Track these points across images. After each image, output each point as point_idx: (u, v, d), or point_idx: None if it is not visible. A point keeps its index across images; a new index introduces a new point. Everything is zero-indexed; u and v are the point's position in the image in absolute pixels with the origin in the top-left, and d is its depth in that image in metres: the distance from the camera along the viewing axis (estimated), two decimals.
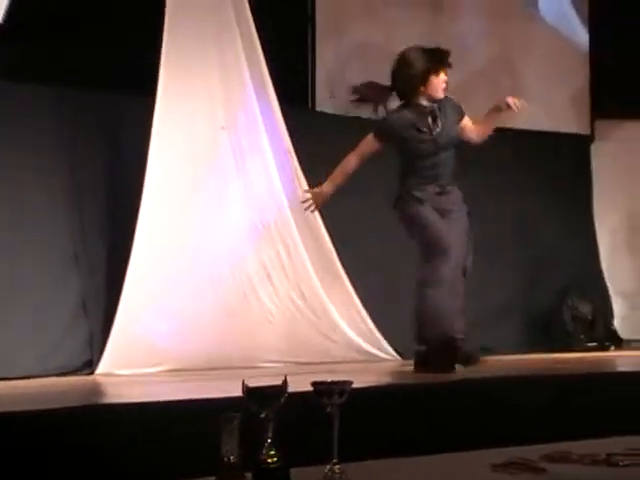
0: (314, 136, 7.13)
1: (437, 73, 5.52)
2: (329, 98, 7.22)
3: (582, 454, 3.00)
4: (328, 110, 7.53)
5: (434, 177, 5.59)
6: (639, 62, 8.76)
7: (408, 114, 5.58)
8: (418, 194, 5.55)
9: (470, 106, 8.08)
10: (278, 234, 6.54)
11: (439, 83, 5.55)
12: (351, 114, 7.53)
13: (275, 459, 2.71)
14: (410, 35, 7.73)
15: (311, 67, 7.51)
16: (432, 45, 5.74)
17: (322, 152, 7.03)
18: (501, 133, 8.19)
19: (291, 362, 6.20)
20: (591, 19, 8.90)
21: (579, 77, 8.84)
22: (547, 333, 8.25)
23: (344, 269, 6.77)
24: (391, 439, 3.22)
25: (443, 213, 5.61)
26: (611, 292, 8.78)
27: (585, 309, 8.32)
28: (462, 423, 3.43)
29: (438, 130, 5.58)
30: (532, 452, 3.03)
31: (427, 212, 5.55)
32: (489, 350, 7.46)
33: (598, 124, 8.89)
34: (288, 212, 6.54)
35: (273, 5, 6.87)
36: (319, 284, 6.60)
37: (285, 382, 2.74)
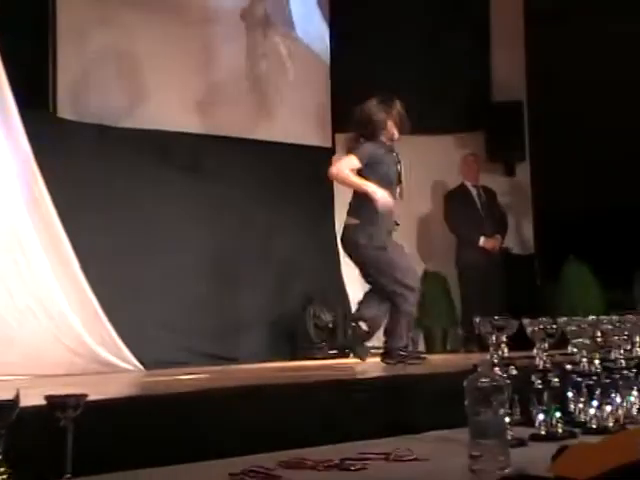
0: (55, 141, 6.98)
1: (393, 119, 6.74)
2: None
3: (317, 460, 3.07)
4: (69, 116, 7.38)
5: None
6: (377, 78, 9.09)
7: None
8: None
9: (219, 117, 8.18)
10: (17, 241, 6.34)
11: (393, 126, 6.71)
12: (92, 121, 7.42)
13: (5, 476, 2.62)
14: (151, 39, 7.71)
15: (52, 72, 7.33)
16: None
17: (63, 157, 6.90)
18: (244, 144, 8.33)
19: (31, 375, 6.00)
20: (331, 34, 9.16)
21: (322, 91, 9.07)
22: (290, 342, 8.40)
23: (86, 277, 6.65)
24: (128, 452, 3.18)
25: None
26: (352, 301, 9.03)
27: (326, 318, 8.53)
28: (198, 433, 3.43)
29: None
30: (269, 460, 3.07)
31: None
32: (234, 360, 7.53)
33: (339, 137, 9.15)
34: (28, 218, 6.35)
35: (13, 8, 6.67)
36: (60, 293, 6.44)
37: (17, 396, 2.66)
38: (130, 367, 6.72)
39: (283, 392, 4.06)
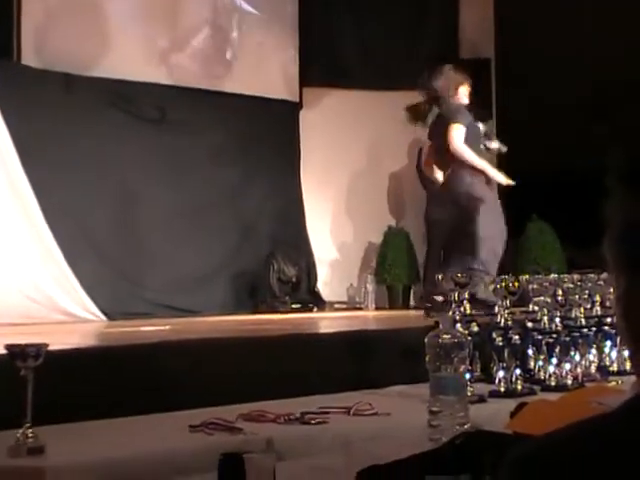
0: (19, 90, 6.90)
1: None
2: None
3: (277, 413, 3.08)
4: (34, 64, 7.29)
5: None
6: (345, 33, 9.06)
7: None
8: None
9: (185, 68, 8.10)
10: None
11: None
12: (57, 69, 7.34)
13: None
14: None
15: (17, 20, 7.22)
16: None
17: (27, 107, 6.82)
18: (210, 96, 8.27)
19: None
20: None
21: (289, 46, 9.00)
22: (253, 295, 8.42)
23: (50, 228, 6.61)
24: (89, 402, 3.18)
25: None
26: (315, 256, 9.05)
27: (290, 272, 8.54)
28: (161, 384, 3.44)
29: None
30: (229, 412, 3.08)
31: None
32: (197, 312, 7.54)
33: (306, 91, 9.11)
34: None
35: None
36: (21, 240, 6.40)
37: None
38: (92, 317, 6.71)
39: (244, 345, 4.07)
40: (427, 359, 2.77)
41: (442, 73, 7.18)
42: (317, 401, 3.37)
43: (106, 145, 7.54)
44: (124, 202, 7.66)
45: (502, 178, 7.29)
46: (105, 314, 6.81)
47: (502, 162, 9.27)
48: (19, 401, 2.63)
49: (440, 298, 6.87)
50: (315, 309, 8.53)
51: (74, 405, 3.11)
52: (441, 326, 2.80)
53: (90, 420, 3.04)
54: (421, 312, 7.90)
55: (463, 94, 7.21)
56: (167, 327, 5.68)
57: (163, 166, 7.92)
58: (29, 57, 7.28)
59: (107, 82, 7.61)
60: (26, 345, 2.66)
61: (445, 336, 2.76)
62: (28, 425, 2.62)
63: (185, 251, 7.94)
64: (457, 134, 7.02)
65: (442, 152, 7.16)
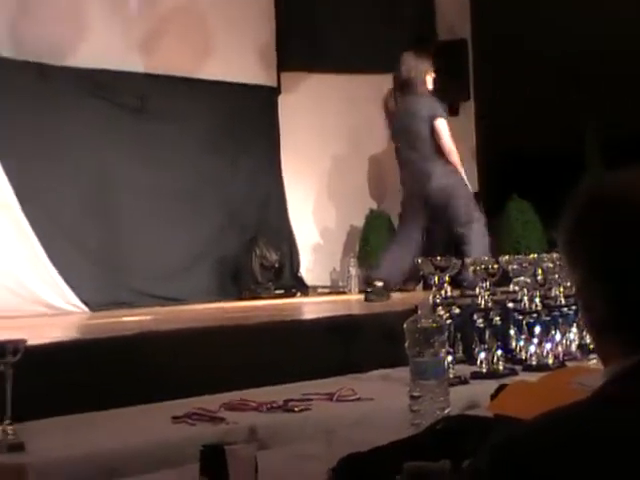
0: None
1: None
2: None
3: (260, 401, 3.08)
4: (7, 53, 7.22)
5: None
6: (322, 17, 9.03)
7: None
8: None
9: (163, 56, 8.06)
10: None
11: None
12: (32, 59, 7.28)
13: None
14: None
15: None
16: None
17: (3, 97, 6.78)
18: (188, 83, 8.24)
19: None
20: None
21: (266, 30, 8.97)
22: (237, 282, 8.41)
23: (28, 220, 6.58)
24: (70, 396, 3.17)
25: None
26: (297, 241, 9.05)
27: (272, 257, 8.53)
28: (143, 376, 3.43)
29: None
30: (213, 402, 3.08)
31: None
32: (180, 300, 7.53)
33: (284, 76, 9.08)
34: None
35: None
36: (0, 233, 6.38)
37: None
38: (74, 309, 6.69)
39: (227, 334, 4.07)
40: (407, 344, 2.77)
41: (410, 59, 7.14)
42: (301, 388, 3.37)
43: (85, 135, 7.51)
44: (104, 191, 7.63)
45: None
46: (87, 305, 6.79)
47: (481, 142, 9.28)
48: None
49: (380, 283, 6.96)
50: (298, 294, 8.53)
51: (55, 400, 3.11)
52: (419, 311, 2.80)
53: (71, 414, 3.03)
54: (405, 294, 7.97)
55: (429, 81, 7.18)
56: (149, 317, 5.68)
57: (143, 154, 7.90)
58: (3, 47, 7.22)
59: (84, 71, 7.57)
60: (4, 341, 2.65)
61: (424, 321, 2.76)
62: (8, 422, 2.61)
63: (167, 239, 7.93)
64: (446, 129, 7.03)
65: (415, 141, 7.09)
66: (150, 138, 7.95)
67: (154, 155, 7.96)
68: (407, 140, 7.12)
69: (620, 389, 1.31)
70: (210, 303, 7.50)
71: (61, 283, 6.69)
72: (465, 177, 7.14)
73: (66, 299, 6.67)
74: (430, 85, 7.17)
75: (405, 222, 7.27)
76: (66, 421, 2.98)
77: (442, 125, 7.02)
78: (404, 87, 7.14)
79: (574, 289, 1.40)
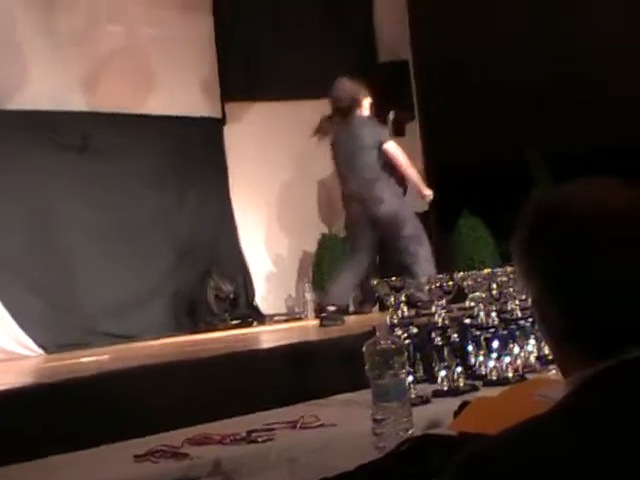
0: None
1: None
2: None
3: (224, 434, 3.05)
4: None
5: None
6: (263, 45, 9.05)
7: None
8: None
9: (105, 93, 8.03)
10: None
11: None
12: None
13: None
14: (31, 16, 7.53)
15: None
16: None
17: None
18: (133, 119, 8.21)
19: None
20: (215, 8, 9.05)
21: (207, 62, 8.97)
22: (192, 315, 8.37)
23: None
24: (28, 442, 3.12)
25: None
26: (251, 270, 9.02)
27: (227, 288, 8.50)
28: (103, 416, 3.39)
29: None
30: (175, 437, 3.04)
31: None
32: (136, 337, 7.47)
33: (228, 106, 9.08)
34: None
35: None
36: None
37: None
38: (29, 352, 6.61)
39: (186, 368, 4.04)
40: (367, 367, 2.76)
41: (345, 84, 7.16)
42: (263, 418, 3.35)
43: (32, 177, 7.45)
44: (53, 232, 7.57)
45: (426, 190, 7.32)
46: (42, 348, 6.71)
47: (429, 161, 9.33)
48: None
49: (332, 307, 6.99)
50: (255, 323, 8.50)
51: (14, 446, 3.06)
52: (378, 333, 2.79)
53: (30, 460, 2.98)
54: (361, 316, 7.97)
55: (367, 106, 7.21)
56: (106, 356, 5.62)
57: (92, 192, 7.85)
58: None
59: (27, 113, 7.51)
60: None
61: (383, 343, 2.75)
62: None
63: (120, 276, 7.87)
64: (397, 149, 7.08)
65: (360, 167, 7.10)
66: (96, 176, 7.90)
67: (101, 193, 7.92)
68: (351, 166, 7.13)
69: (581, 400, 1.31)
70: (166, 338, 7.45)
71: (14, 327, 6.61)
72: (417, 188, 7.18)
73: (20, 342, 6.60)
74: (367, 110, 7.19)
75: (355, 246, 7.26)
76: (27, 468, 2.94)
77: (392, 147, 7.06)
78: (342, 113, 7.16)
79: (530, 301, 1.41)
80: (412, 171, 7.14)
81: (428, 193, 7.23)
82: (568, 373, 1.38)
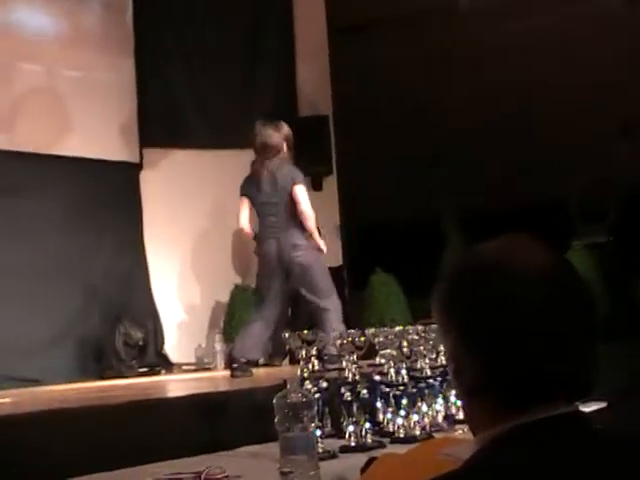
0: None
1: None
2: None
3: None
4: None
5: None
6: (183, 93, 9.06)
7: None
8: None
9: (21, 133, 7.94)
10: None
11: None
12: None
13: None
14: None
15: None
16: None
17: None
18: (48, 161, 8.12)
19: None
20: (137, 53, 9.04)
21: (127, 107, 8.94)
22: (99, 361, 8.24)
23: None
24: None
25: None
26: (162, 318, 8.94)
27: (137, 335, 8.41)
28: (2, 463, 3.31)
29: None
30: None
31: None
32: (41, 381, 7.32)
33: (146, 152, 9.05)
34: None
35: None
36: None
37: None
38: None
39: (90, 415, 3.96)
40: (276, 420, 2.75)
41: (265, 127, 7.18)
42: (168, 467, 3.30)
43: None
44: None
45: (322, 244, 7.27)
46: None
47: (344, 217, 9.40)
48: None
49: (243, 359, 6.97)
50: (163, 372, 8.40)
51: None
52: (288, 386, 2.78)
53: None
54: (272, 369, 7.93)
55: (285, 148, 7.24)
56: (8, 400, 5.49)
57: (5, 232, 7.71)
58: None
59: None
60: None
61: (293, 396, 2.74)
62: None
63: (26, 319, 7.73)
64: (305, 196, 7.06)
65: (276, 212, 7.09)
66: (9, 216, 7.77)
67: (14, 233, 7.79)
68: (268, 211, 7.12)
69: (490, 457, 1.32)
70: (72, 383, 7.31)
71: None
72: (321, 245, 7.16)
73: None
74: (286, 152, 7.19)
75: (266, 297, 7.20)
76: None
77: (300, 191, 7.04)
78: (263, 153, 7.16)
79: (446, 355, 1.42)
80: (311, 224, 7.08)
81: (324, 248, 7.18)
82: (478, 430, 1.39)
